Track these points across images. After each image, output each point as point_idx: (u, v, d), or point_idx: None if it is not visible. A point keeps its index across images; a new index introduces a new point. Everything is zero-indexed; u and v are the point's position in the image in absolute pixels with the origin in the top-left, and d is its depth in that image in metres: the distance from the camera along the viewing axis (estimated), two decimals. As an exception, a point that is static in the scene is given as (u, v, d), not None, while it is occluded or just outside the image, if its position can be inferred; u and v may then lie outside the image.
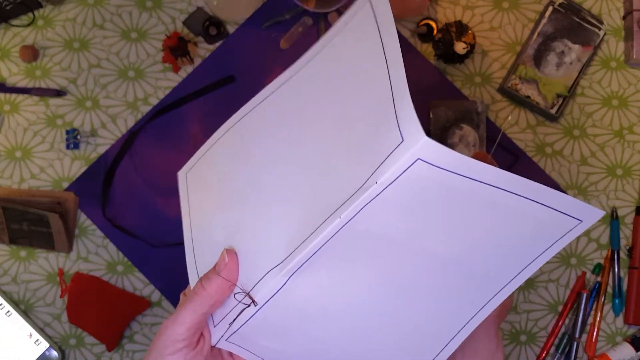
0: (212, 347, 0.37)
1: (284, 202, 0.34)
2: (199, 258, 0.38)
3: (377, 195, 0.29)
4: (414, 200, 0.30)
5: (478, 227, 0.32)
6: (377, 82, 0.31)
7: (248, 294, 0.33)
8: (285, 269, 0.32)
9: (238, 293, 0.33)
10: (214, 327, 0.36)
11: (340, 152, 0.32)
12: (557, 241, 0.33)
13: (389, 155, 0.29)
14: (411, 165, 0.28)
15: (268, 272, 0.32)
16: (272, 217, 0.34)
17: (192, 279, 0.38)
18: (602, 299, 0.76)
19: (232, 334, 0.35)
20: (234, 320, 0.34)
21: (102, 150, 0.77)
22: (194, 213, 0.41)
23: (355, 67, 0.34)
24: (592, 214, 0.33)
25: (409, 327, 0.34)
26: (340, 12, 0.78)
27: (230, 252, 0.35)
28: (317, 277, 0.32)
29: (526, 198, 0.31)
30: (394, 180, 0.29)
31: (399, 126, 0.29)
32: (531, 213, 0.31)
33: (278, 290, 0.32)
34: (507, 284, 0.34)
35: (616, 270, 0.76)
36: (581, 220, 0.33)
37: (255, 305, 0.33)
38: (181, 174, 0.44)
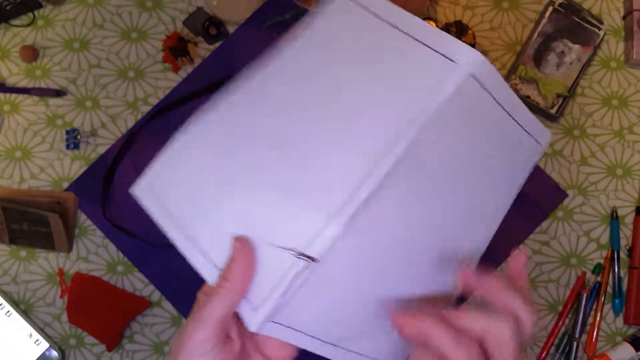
0: (242, 345, 0.36)
1: (328, 148, 0.32)
2: (213, 252, 0.36)
3: (433, 117, 0.30)
4: (465, 120, 0.31)
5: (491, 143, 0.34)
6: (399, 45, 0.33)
7: (303, 255, 0.30)
8: (341, 215, 0.29)
9: (290, 252, 0.30)
10: (254, 311, 0.33)
11: (383, 92, 0.33)
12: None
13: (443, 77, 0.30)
14: (463, 80, 0.30)
15: (322, 226, 0.29)
16: (312, 169, 0.32)
17: (209, 275, 0.36)
18: (602, 299, 0.76)
19: (280, 311, 0.32)
20: (286, 291, 0.31)
21: (102, 150, 0.77)
22: (180, 215, 0.39)
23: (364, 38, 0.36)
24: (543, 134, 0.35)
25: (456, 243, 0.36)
26: (340, 12, 0.78)
27: (240, 238, 0.33)
28: (377, 218, 0.30)
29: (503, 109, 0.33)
30: (449, 99, 0.30)
31: (446, 52, 0.31)
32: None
33: (336, 240, 0.29)
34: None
35: (616, 270, 0.76)
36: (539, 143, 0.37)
37: (315, 262, 0.30)
38: (140, 190, 0.41)
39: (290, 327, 0.33)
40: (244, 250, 0.33)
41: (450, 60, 0.31)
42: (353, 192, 0.29)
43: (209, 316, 0.33)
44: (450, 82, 0.30)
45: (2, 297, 0.75)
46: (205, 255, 0.36)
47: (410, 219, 0.32)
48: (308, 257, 0.30)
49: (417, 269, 0.34)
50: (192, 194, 0.37)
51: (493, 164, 0.35)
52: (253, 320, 0.32)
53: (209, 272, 0.36)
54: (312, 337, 0.34)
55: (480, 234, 0.37)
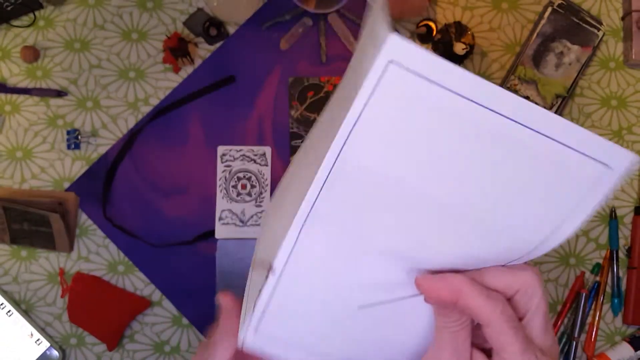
0: None
1: (295, 185, 0.33)
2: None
3: (358, 118, 0.25)
4: (399, 121, 0.25)
5: (476, 165, 0.27)
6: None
7: (268, 269, 0.31)
8: (292, 225, 0.29)
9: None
10: (241, 329, 0.34)
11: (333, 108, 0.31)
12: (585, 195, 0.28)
13: (364, 71, 0.24)
14: (384, 72, 0.23)
15: (280, 239, 0.30)
16: (284, 201, 0.34)
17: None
18: (601, 299, 0.76)
19: (259, 323, 0.33)
20: (254, 306, 0.32)
21: (102, 150, 0.77)
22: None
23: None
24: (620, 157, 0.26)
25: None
26: (340, 13, 0.78)
27: (222, 294, 0.38)
28: (326, 227, 0.30)
29: (539, 133, 0.25)
30: (369, 97, 0.24)
31: (374, 40, 0.24)
32: (548, 154, 0.26)
33: (292, 250, 0.30)
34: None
35: (615, 270, 0.76)
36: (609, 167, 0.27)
37: (272, 274, 0.31)
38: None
39: (273, 340, 0.34)
40: (228, 304, 0.38)
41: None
42: (302, 200, 0.29)
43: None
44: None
45: (3, 296, 0.75)
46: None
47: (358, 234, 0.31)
48: (268, 270, 0.31)
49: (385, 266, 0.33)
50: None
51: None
52: (240, 339, 0.34)
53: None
54: (296, 348, 0.35)
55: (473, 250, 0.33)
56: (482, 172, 0.27)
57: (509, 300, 0.32)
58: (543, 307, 0.31)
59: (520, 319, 0.32)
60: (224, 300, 0.39)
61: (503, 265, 0.32)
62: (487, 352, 0.33)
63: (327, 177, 0.27)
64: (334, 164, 0.27)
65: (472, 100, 0.24)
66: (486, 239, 0.30)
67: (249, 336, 0.34)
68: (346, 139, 0.26)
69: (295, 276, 0.31)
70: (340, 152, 0.26)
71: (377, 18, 0.25)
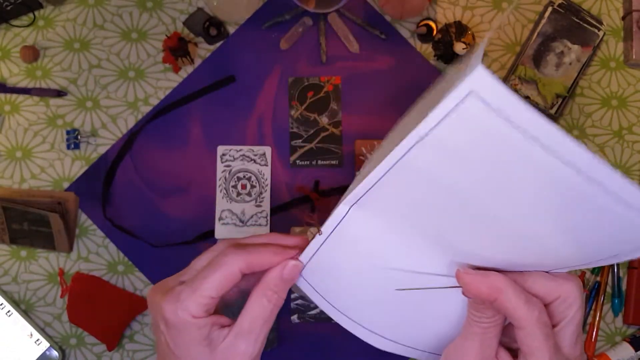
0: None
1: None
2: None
3: (427, 134, 0.26)
4: (467, 147, 0.26)
5: (534, 200, 0.27)
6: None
7: (319, 228, 0.35)
8: (346, 199, 0.32)
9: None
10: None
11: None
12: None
13: (446, 94, 0.26)
14: (463, 98, 0.25)
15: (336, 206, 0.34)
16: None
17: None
18: (602, 299, 0.76)
19: (307, 272, 0.38)
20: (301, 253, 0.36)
21: (102, 150, 0.77)
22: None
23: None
24: None
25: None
26: (340, 13, 0.78)
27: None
28: (373, 212, 0.33)
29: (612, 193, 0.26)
30: (443, 117, 0.25)
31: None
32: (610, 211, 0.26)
33: (341, 220, 0.34)
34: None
35: (615, 270, 0.76)
36: None
37: (320, 234, 0.35)
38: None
39: (310, 285, 0.38)
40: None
41: None
42: (361, 181, 0.32)
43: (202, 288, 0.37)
44: None
45: (2, 297, 0.75)
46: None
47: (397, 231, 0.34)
48: (319, 229, 0.35)
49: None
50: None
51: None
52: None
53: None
54: (325, 299, 0.38)
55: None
56: (538, 207, 0.28)
57: (547, 306, 0.32)
58: (578, 318, 0.32)
59: (554, 326, 0.32)
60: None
61: (547, 272, 0.33)
62: (513, 352, 0.34)
63: (387, 171, 0.29)
64: (395, 163, 0.29)
65: (542, 146, 0.25)
66: (532, 253, 0.31)
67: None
68: (411, 147, 0.28)
69: (337, 243, 0.35)
70: (404, 155, 0.28)
71: (475, 53, 0.27)
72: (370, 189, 0.31)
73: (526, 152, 0.25)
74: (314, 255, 0.36)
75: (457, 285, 0.33)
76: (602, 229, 0.28)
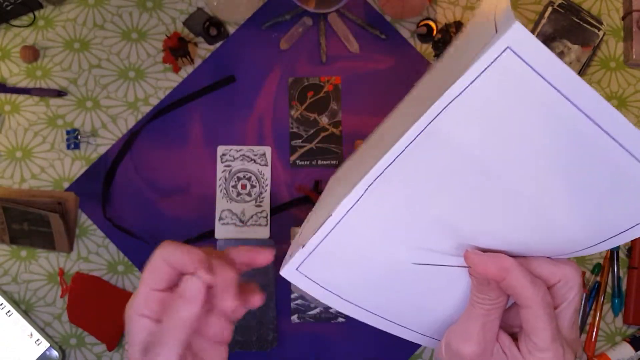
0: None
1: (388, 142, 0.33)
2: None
3: (461, 93, 0.26)
4: (499, 105, 0.26)
5: (557, 162, 0.28)
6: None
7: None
8: (360, 182, 0.31)
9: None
10: (289, 260, 0.36)
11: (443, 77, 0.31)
12: None
13: (481, 51, 0.25)
14: (500, 54, 0.25)
15: (348, 192, 0.32)
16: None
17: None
18: (602, 299, 0.76)
19: (305, 259, 0.35)
20: (306, 243, 0.34)
21: (102, 150, 0.77)
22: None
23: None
24: None
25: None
26: (340, 13, 0.78)
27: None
28: (393, 190, 0.31)
29: (626, 150, 0.26)
30: (480, 74, 0.25)
31: (495, 26, 0.25)
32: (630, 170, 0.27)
33: (354, 204, 0.32)
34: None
35: (615, 270, 0.76)
36: None
37: (329, 221, 0.33)
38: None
39: (310, 279, 0.36)
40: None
41: None
42: (379, 159, 0.31)
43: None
44: None
45: (2, 297, 0.75)
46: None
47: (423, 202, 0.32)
48: (327, 217, 0.33)
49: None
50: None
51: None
52: (283, 269, 0.36)
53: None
54: (329, 291, 0.37)
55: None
56: (560, 170, 0.28)
57: (549, 288, 0.33)
58: (577, 301, 0.33)
59: (555, 308, 0.33)
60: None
61: (548, 257, 0.33)
62: (512, 336, 0.35)
63: (410, 143, 0.28)
64: (421, 131, 0.28)
65: (574, 104, 0.25)
66: (542, 232, 0.31)
67: (289, 269, 0.36)
68: (442, 110, 0.27)
69: (351, 227, 0.33)
70: (432, 121, 0.27)
71: (501, 3, 0.27)
72: (391, 163, 0.30)
73: (558, 108, 0.26)
74: (322, 241, 0.34)
75: (466, 265, 0.34)
76: (621, 196, 0.28)
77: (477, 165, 0.29)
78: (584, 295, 0.75)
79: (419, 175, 0.31)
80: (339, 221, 0.33)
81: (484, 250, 0.34)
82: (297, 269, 0.36)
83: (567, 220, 0.30)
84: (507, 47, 0.25)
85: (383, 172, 0.31)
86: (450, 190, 0.31)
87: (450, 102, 0.27)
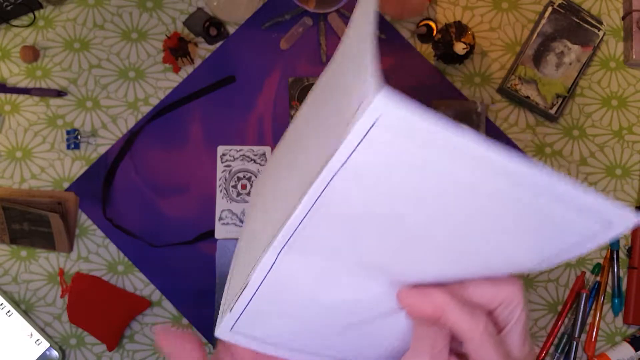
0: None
1: (276, 198, 0.33)
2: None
3: (340, 167, 0.25)
4: (389, 167, 0.26)
5: (465, 208, 0.27)
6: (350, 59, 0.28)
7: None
8: (271, 246, 0.30)
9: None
10: (221, 321, 0.35)
11: (313, 132, 0.30)
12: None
13: (351, 120, 0.24)
14: (369, 129, 0.24)
15: (260, 254, 0.31)
16: (268, 208, 0.34)
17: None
18: (602, 299, 0.76)
19: (235, 321, 0.35)
20: (232, 306, 0.33)
21: (102, 150, 0.77)
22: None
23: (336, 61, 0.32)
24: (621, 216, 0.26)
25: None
26: (340, 13, 0.78)
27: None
28: (309, 248, 0.31)
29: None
30: (354, 148, 0.24)
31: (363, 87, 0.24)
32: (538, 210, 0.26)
33: (270, 268, 0.31)
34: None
35: (615, 270, 0.76)
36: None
37: (248, 288, 0.32)
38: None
39: (249, 337, 0.35)
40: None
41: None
42: (282, 226, 0.30)
43: None
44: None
45: (2, 297, 0.75)
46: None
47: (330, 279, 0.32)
48: (246, 283, 0.32)
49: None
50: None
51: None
52: (217, 330, 0.35)
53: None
54: (274, 345, 0.36)
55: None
56: (469, 216, 0.27)
57: (491, 312, 0.32)
58: (523, 319, 0.32)
59: (500, 332, 0.32)
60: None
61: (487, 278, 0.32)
62: (464, 356, 0.34)
63: (304, 217, 0.28)
64: (310, 208, 0.27)
65: (465, 162, 0.24)
66: (472, 261, 0.31)
67: (223, 332, 0.35)
68: (326, 186, 0.26)
69: (275, 287, 0.32)
70: (318, 198, 0.27)
71: (370, 68, 0.25)
72: (295, 230, 0.29)
73: (450, 169, 0.25)
74: (248, 304, 0.34)
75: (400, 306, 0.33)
76: (540, 230, 0.27)
77: (385, 221, 0.28)
78: (585, 295, 0.75)
79: (328, 235, 0.30)
80: (259, 285, 0.32)
81: (420, 284, 0.32)
82: (230, 329, 0.35)
83: (498, 252, 0.30)
84: (376, 120, 0.24)
85: (288, 240, 0.30)
86: (366, 238, 0.30)
87: (333, 176, 0.26)
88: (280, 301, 0.34)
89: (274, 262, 0.31)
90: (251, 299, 0.33)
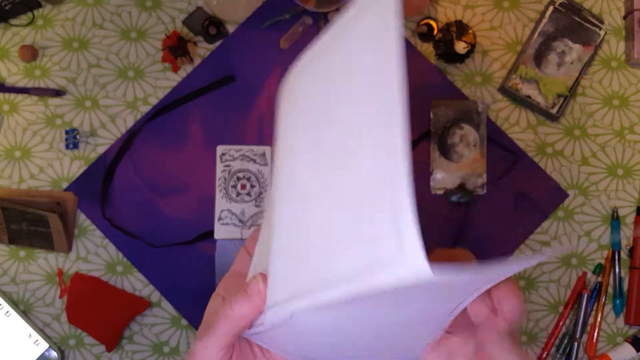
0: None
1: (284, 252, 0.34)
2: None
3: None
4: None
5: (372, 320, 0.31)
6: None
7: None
8: (285, 307, 0.31)
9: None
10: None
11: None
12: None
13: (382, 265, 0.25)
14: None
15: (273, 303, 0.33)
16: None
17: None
18: (603, 299, 0.76)
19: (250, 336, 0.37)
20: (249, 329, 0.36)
21: (101, 150, 0.77)
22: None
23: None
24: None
25: None
26: (340, 12, 0.78)
27: (264, 277, 0.34)
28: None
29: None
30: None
31: (397, 233, 0.24)
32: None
33: (281, 322, 0.33)
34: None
35: (617, 270, 0.76)
36: None
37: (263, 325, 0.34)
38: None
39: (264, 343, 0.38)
40: (264, 289, 0.34)
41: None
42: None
43: (214, 342, 0.34)
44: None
45: (1, 297, 0.75)
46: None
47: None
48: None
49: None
50: None
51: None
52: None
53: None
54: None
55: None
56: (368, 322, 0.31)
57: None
58: (500, 338, 0.32)
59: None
60: (265, 283, 0.35)
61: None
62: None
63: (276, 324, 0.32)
64: (283, 321, 0.31)
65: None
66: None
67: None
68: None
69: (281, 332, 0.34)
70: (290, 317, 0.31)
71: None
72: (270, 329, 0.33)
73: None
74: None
75: None
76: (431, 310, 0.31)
77: (340, 336, 0.33)
78: (586, 295, 0.75)
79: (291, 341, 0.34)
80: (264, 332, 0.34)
81: None
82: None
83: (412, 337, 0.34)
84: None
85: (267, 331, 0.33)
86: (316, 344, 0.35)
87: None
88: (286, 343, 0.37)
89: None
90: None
